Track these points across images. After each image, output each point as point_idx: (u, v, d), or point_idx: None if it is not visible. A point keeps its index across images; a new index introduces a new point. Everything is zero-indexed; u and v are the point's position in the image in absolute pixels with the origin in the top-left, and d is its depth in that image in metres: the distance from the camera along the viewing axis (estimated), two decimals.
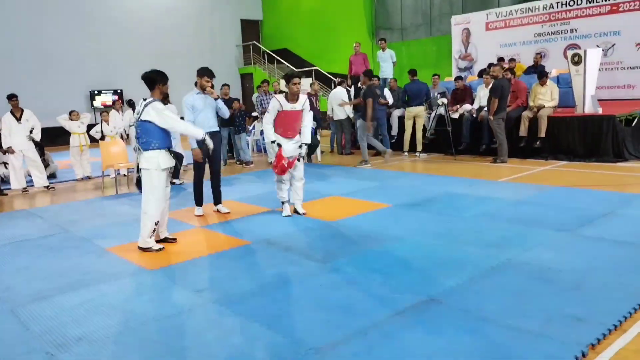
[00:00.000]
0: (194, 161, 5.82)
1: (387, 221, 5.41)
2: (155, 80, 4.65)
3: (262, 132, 10.96)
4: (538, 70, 9.97)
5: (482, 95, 9.68)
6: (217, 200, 6.25)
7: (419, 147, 10.09)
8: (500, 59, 11.64)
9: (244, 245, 4.80)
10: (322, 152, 10.73)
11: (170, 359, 2.75)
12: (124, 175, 9.31)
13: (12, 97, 8.19)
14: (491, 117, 8.59)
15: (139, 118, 4.63)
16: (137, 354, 2.84)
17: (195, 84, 5.87)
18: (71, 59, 17.24)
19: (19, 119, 8.19)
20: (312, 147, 9.96)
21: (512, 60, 11.29)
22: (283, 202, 5.89)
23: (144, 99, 4.66)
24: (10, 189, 8.47)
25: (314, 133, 9.98)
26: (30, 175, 8.62)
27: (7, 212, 6.99)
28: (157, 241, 4.88)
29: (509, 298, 3.32)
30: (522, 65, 11.45)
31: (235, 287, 3.74)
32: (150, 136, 4.60)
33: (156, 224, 4.71)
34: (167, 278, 4.04)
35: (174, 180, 8.49)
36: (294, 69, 18.60)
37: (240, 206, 6.47)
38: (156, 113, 4.56)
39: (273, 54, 19.87)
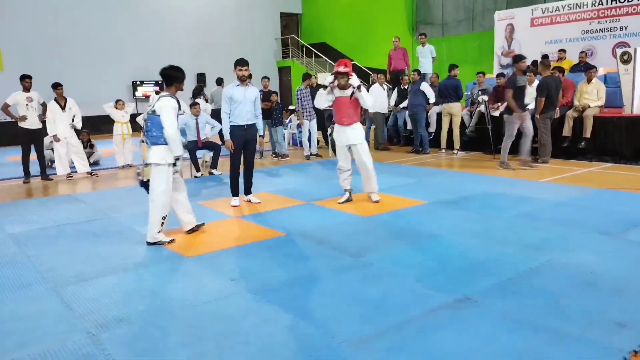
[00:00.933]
0: (230, 152, 5.90)
1: (423, 218, 5.35)
2: (172, 77, 4.66)
3: (298, 126, 11.03)
4: (585, 68, 9.63)
5: (525, 93, 9.41)
6: (248, 190, 6.30)
7: (456, 145, 9.92)
8: (545, 56, 11.31)
9: (278, 237, 4.83)
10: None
11: (207, 344, 2.80)
12: None
13: (57, 86, 8.49)
14: (537, 116, 8.35)
15: (150, 111, 4.65)
16: (174, 337, 2.90)
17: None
18: (115, 50, 17.69)
19: (63, 107, 8.48)
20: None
21: (561, 50, 10.91)
22: (345, 190, 6.14)
23: (156, 92, 4.69)
24: (55, 174, 8.78)
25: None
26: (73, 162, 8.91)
27: (53, 196, 7.25)
28: (188, 232, 4.96)
29: (548, 300, 3.24)
30: (570, 60, 11.08)
31: (269, 278, 3.77)
32: (159, 130, 4.58)
33: (164, 218, 4.69)
34: (203, 265, 4.11)
35: (212, 171, 8.63)
36: (332, 62, 18.58)
37: (275, 198, 6.52)
38: (161, 108, 4.55)
39: (311, 48, 19.88)
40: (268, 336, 2.87)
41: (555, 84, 8.31)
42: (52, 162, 9.35)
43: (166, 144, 4.60)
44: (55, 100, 8.49)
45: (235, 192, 6.21)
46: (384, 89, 10.88)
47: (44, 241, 4.93)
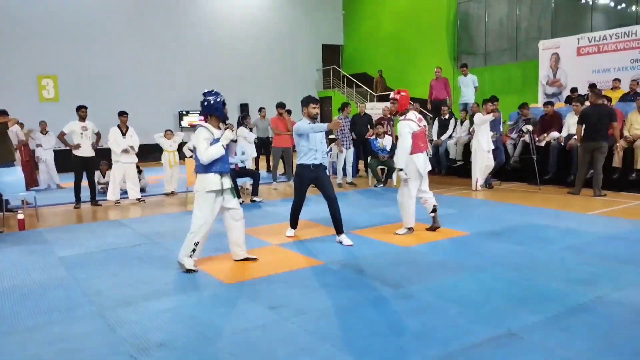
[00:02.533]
0: (294, 186, 5.94)
1: (465, 249, 5.24)
2: (207, 109, 4.81)
3: (338, 155, 11.10)
4: (635, 97, 9.34)
5: (571, 123, 9.21)
6: (339, 229, 5.71)
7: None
8: (592, 85, 11.05)
9: (317, 265, 4.83)
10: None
11: None
12: None
13: (122, 114, 8.98)
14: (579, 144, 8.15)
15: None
16: None
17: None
18: (163, 81, 18.43)
19: (124, 134, 8.87)
20: (389, 171, 9.94)
21: (616, 80, 10.66)
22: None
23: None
24: (105, 200, 9.11)
25: (391, 157, 9.94)
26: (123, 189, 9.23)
27: (101, 221, 7.52)
28: (237, 260, 5.02)
29: (598, 338, 3.08)
30: (621, 90, 10.78)
31: (308, 306, 3.76)
32: (198, 160, 4.71)
33: (196, 244, 4.72)
34: (243, 293, 4.14)
35: (254, 198, 8.75)
36: (372, 92, 18.72)
37: (314, 226, 6.53)
38: (195, 137, 4.70)
39: (352, 78, 20.12)
40: None
41: (598, 113, 7.96)
42: (102, 190, 9.76)
43: (204, 172, 4.71)
44: (118, 126, 8.90)
45: (293, 225, 6.12)
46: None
47: (92, 265, 5.09)
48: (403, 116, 5.82)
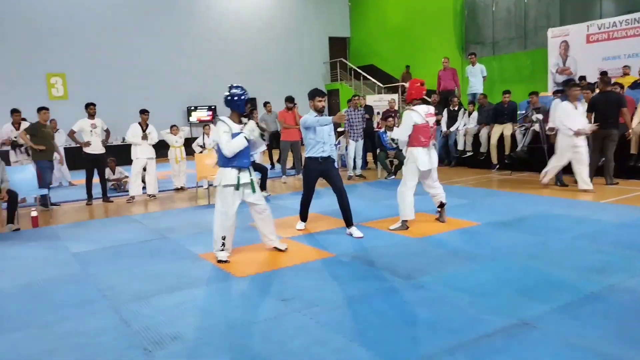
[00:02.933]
0: (303, 180, 5.96)
1: (476, 239, 5.22)
2: (229, 104, 4.84)
3: (347, 148, 11.08)
4: None
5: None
6: (349, 221, 5.70)
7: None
8: (603, 73, 10.91)
9: (328, 258, 4.83)
10: None
11: None
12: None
13: (144, 112, 9.05)
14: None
15: None
16: (226, 356, 2.94)
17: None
18: (171, 77, 18.47)
19: (144, 130, 8.93)
20: (399, 163, 9.91)
21: (626, 66, 10.53)
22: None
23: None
24: (116, 196, 9.18)
25: (399, 149, 9.91)
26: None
27: (113, 217, 7.58)
28: (269, 249, 5.14)
29: (612, 326, 3.07)
30: (632, 77, 10.65)
31: (320, 299, 3.77)
32: (219, 153, 4.80)
33: (223, 238, 4.81)
34: (254, 286, 4.16)
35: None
36: (380, 84, 18.64)
37: (324, 219, 6.54)
38: (215, 131, 4.78)
39: (360, 70, 20.04)
40: (318, 357, 2.87)
41: (607, 100, 7.89)
42: (119, 187, 9.89)
43: (223, 166, 4.78)
44: (139, 124, 8.98)
45: (303, 218, 6.15)
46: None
47: (104, 260, 5.14)
48: (409, 105, 5.80)
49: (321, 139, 5.61)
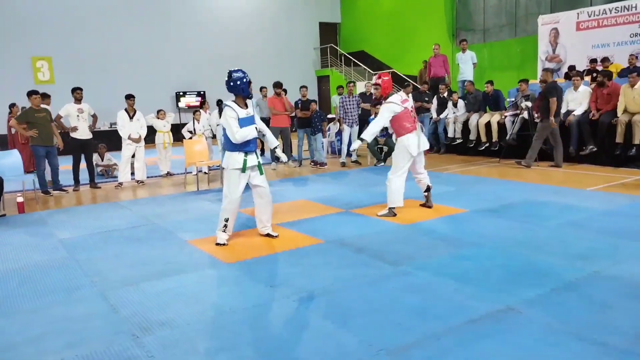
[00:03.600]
0: None
1: (464, 226, 5.26)
2: (233, 89, 4.82)
3: (337, 134, 11.08)
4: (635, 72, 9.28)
5: (570, 98, 9.17)
6: None
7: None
8: (593, 60, 10.97)
9: (317, 244, 4.85)
10: None
11: (246, 349, 2.84)
12: (205, 172, 9.73)
13: (129, 97, 8.93)
14: (552, 119, 8.52)
15: None
16: (214, 341, 2.96)
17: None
18: (159, 62, 18.24)
19: (131, 118, 8.83)
20: (388, 151, 9.93)
21: (605, 59, 10.57)
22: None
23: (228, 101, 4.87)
24: (104, 182, 9.11)
25: (389, 136, 9.92)
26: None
27: (100, 203, 7.53)
28: (262, 235, 5.17)
29: (595, 312, 3.12)
30: (618, 64, 10.70)
31: (308, 285, 3.79)
32: (226, 138, 4.84)
33: (226, 220, 4.90)
34: (243, 272, 4.17)
35: None
36: (370, 71, 18.57)
37: (313, 206, 6.55)
38: (223, 116, 4.80)
39: (350, 57, 19.94)
40: (306, 343, 2.89)
41: (562, 89, 8.71)
42: (105, 173, 9.81)
43: (230, 150, 4.83)
44: (126, 110, 8.87)
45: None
46: (409, 98, 10.77)
47: (92, 246, 5.12)
48: (385, 100, 5.88)
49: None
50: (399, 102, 5.76)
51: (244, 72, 4.83)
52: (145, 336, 3.05)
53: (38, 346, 2.99)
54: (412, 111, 5.87)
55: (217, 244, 4.90)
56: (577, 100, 9.05)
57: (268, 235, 5.15)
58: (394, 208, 5.82)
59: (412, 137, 5.73)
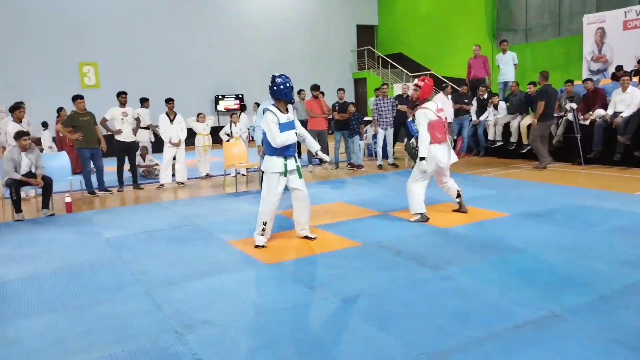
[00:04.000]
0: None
1: (506, 231, 5.15)
2: (276, 94, 4.90)
3: (374, 136, 11.02)
4: None
5: (617, 100, 8.85)
6: None
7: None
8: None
9: (355, 247, 4.85)
10: None
11: (286, 349, 2.86)
12: (243, 174, 9.86)
13: (169, 101, 9.20)
14: (535, 121, 8.93)
15: None
16: (254, 341, 3.00)
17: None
18: (199, 66, 18.61)
19: (172, 120, 9.07)
20: None
21: None
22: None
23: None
24: (147, 183, 9.37)
25: None
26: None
27: (143, 204, 7.74)
28: (300, 237, 5.22)
29: None
30: None
31: (347, 287, 3.79)
32: (266, 142, 4.90)
33: (264, 223, 4.93)
34: (282, 273, 4.21)
35: None
36: (408, 73, 18.43)
37: (350, 208, 6.54)
38: (263, 121, 4.86)
39: (387, 59, 19.84)
40: (346, 345, 2.89)
41: (554, 93, 9.05)
42: (147, 174, 10.08)
43: (270, 154, 4.91)
44: (166, 114, 9.12)
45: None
46: (448, 99, 10.63)
47: (136, 246, 5.27)
48: (420, 104, 5.72)
49: None
50: (434, 110, 5.66)
51: (287, 77, 4.90)
52: (189, 334, 3.11)
53: (87, 340, 3.10)
54: (445, 123, 5.77)
55: (256, 246, 4.95)
56: (625, 102, 8.73)
57: (306, 237, 5.18)
58: (422, 213, 5.72)
59: (442, 149, 5.63)
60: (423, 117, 5.60)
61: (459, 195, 5.94)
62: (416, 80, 5.85)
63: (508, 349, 2.75)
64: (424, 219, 5.69)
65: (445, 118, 5.87)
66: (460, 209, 5.96)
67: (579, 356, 2.64)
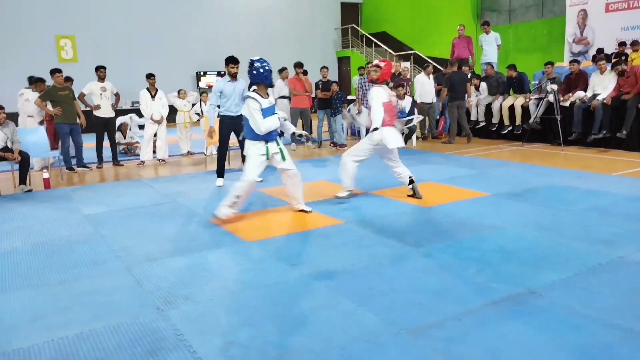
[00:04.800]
0: (220, 135, 6.79)
1: (486, 210, 5.22)
2: (256, 78, 4.93)
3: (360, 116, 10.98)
4: None
5: (596, 82, 8.95)
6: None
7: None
8: (622, 44, 10.67)
9: (337, 225, 4.87)
10: (417, 138, 10.59)
11: (267, 325, 2.88)
12: None
13: (150, 76, 8.97)
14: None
15: None
16: (236, 316, 3.01)
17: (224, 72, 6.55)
18: (181, 42, 18.25)
19: (153, 97, 8.90)
20: (409, 133, 9.85)
21: (635, 42, 10.24)
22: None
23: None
24: (127, 160, 9.24)
25: (409, 118, 9.81)
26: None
27: (123, 181, 7.64)
28: (296, 211, 5.32)
29: (619, 297, 3.09)
30: None
31: (328, 264, 3.81)
32: (248, 126, 4.94)
33: (237, 197, 4.96)
34: (263, 250, 4.21)
35: None
36: (392, 52, 18.35)
37: (333, 187, 6.54)
38: (245, 108, 4.88)
39: (372, 37, 19.70)
40: (327, 320, 2.92)
41: (460, 78, 10.18)
42: (127, 151, 9.94)
43: (252, 139, 4.95)
44: (147, 89, 8.93)
45: (220, 174, 6.88)
46: (430, 79, 10.67)
47: (116, 222, 5.21)
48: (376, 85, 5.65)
49: (232, 102, 6.58)
50: (385, 93, 5.60)
51: (265, 61, 4.89)
52: (170, 310, 3.11)
53: (66, 316, 3.07)
54: (395, 107, 5.78)
55: (217, 217, 4.97)
56: (602, 84, 8.83)
57: (302, 210, 5.30)
58: (352, 191, 5.78)
59: (391, 131, 5.55)
60: (379, 94, 5.54)
61: (411, 182, 5.79)
62: (376, 61, 5.77)
63: (485, 324, 2.80)
64: (350, 196, 5.79)
65: (396, 103, 5.86)
66: (414, 195, 5.77)
67: (554, 331, 2.71)
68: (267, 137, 4.95)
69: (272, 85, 5.03)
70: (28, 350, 2.71)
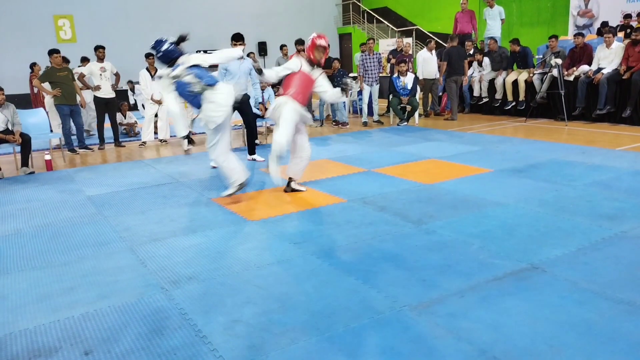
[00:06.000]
0: None
1: (488, 186, 5.20)
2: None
3: (359, 93, 10.91)
4: None
5: (601, 56, 8.83)
6: (251, 151, 7.04)
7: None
8: (627, 16, 10.50)
9: (339, 203, 4.86)
10: (420, 115, 10.51)
11: (271, 303, 2.90)
12: None
13: (149, 56, 8.85)
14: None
15: None
16: (240, 295, 3.02)
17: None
18: (180, 20, 18.03)
19: (152, 76, 8.82)
20: (411, 110, 9.78)
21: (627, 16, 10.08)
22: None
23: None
24: (128, 140, 9.22)
25: (413, 95, 9.75)
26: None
27: (125, 162, 7.63)
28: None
29: (622, 271, 3.09)
30: None
31: (331, 242, 3.82)
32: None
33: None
34: (267, 229, 4.22)
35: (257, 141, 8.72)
36: (394, 28, 18.11)
37: (335, 165, 6.54)
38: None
39: (373, 13, 19.42)
40: (330, 297, 2.93)
41: (458, 53, 10.02)
42: (129, 132, 9.92)
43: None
44: (147, 69, 8.85)
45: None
46: (432, 55, 10.51)
47: (119, 203, 5.22)
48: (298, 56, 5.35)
49: (238, 80, 6.52)
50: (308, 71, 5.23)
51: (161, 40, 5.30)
52: (174, 289, 3.13)
53: (72, 297, 3.10)
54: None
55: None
56: (608, 58, 8.72)
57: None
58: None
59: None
60: (288, 68, 5.21)
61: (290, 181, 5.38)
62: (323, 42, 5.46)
63: (488, 300, 2.82)
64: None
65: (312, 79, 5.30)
66: (287, 189, 5.35)
67: (557, 306, 2.72)
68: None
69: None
70: (34, 330, 2.74)
